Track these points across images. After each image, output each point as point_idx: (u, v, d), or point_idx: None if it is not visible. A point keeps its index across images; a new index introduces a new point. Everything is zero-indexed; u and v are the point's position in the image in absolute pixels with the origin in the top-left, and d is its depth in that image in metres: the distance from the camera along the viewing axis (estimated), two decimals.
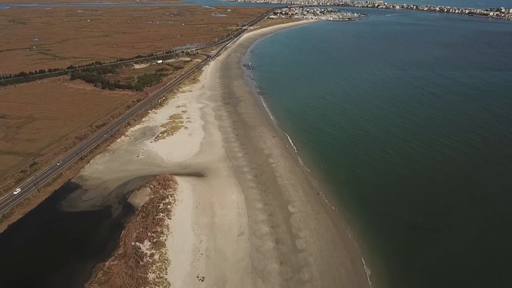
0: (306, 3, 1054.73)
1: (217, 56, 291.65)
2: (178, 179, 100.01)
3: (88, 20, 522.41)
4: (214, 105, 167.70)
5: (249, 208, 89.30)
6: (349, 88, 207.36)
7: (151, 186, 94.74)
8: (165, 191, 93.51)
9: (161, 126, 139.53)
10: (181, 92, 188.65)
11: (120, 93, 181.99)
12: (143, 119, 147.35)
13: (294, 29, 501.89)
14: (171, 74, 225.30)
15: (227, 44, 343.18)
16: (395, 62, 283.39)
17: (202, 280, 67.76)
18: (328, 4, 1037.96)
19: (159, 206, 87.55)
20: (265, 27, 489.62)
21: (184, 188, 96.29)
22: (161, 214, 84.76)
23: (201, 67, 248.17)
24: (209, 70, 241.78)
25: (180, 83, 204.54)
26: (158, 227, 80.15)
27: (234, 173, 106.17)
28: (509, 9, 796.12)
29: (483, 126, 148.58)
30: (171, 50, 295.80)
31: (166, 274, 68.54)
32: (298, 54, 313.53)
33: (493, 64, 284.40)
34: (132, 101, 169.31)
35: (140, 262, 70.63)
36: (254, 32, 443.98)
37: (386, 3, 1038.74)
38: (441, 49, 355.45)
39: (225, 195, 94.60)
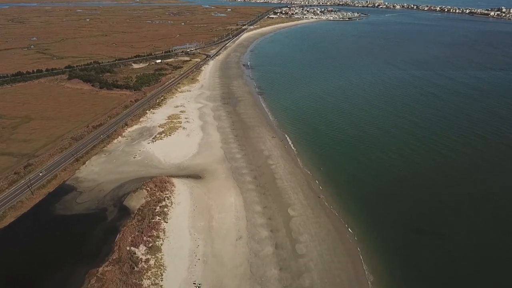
0: (306, 2, 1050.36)
1: (217, 55, 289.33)
2: (175, 181, 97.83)
3: (87, 20, 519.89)
4: (213, 105, 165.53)
5: (248, 211, 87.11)
6: (349, 88, 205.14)
7: (148, 188, 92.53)
8: (162, 193, 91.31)
9: (159, 126, 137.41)
10: (180, 92, 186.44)
11: (118, 93, 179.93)
12: (141, 119, 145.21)
13: (294, 29, 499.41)
14: (170, 73, 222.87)
15: (226, 44, 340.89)
16: (395, 62, 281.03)
17: (198, 287, 65.66)
18: (328, 3, 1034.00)
19: (155, 209, 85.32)
20: (265, 27, 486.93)
21: (181, 191, 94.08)
22: (158, 218, 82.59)
23: (200, 67, 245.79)
24: (208, 70, 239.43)
25: (179, 83, 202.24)
26: (154, 231, 78.02)
27: (232, 175, 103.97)
28: (509, 9, 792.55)
29: (484, 126, 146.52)
30: (170, 49, 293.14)
31: (161, 280, 66.37)
32: (298, 54, 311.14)
33: (494, 64, 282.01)
34: (130, 101, 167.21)
35: (135, 267, 68.48)
36: (254, 31, 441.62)
37: (386, 3, 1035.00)
38: (442, 49, 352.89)
39: (223, 198, 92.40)
